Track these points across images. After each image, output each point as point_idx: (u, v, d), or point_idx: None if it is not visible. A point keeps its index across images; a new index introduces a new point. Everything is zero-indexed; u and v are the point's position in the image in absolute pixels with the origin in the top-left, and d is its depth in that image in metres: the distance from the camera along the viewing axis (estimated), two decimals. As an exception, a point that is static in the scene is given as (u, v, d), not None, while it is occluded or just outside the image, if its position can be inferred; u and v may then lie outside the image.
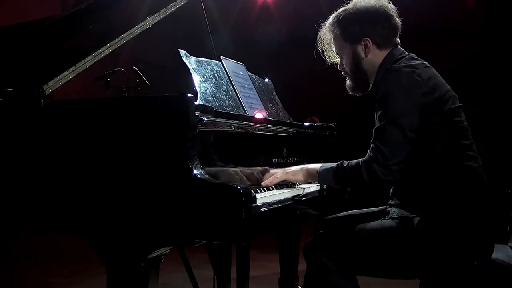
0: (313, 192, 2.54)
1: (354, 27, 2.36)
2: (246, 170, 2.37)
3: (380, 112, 2.18)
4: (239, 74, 2.85)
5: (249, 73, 3.00)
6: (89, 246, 2.09)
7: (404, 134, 2.11)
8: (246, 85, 2.85)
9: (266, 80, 3.29)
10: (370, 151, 2.17)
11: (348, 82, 2.48)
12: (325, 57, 2.58)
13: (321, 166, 2.33)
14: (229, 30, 6.30)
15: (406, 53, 2.36)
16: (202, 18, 2.92)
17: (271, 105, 3.07)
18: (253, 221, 1.90)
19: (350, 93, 2.50)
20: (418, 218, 2.16)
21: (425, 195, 2.20)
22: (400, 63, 2.27)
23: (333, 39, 2.46)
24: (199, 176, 1.92)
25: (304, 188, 2.48)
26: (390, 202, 2.37)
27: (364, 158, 2.17)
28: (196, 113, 2.00)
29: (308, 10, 5.82)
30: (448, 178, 2.17)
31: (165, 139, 1.98)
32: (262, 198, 2.09)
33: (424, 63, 2.28)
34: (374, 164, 2.12)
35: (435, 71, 2.28)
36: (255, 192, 2.06)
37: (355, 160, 2.21)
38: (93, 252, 2.08)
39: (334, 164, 2.29)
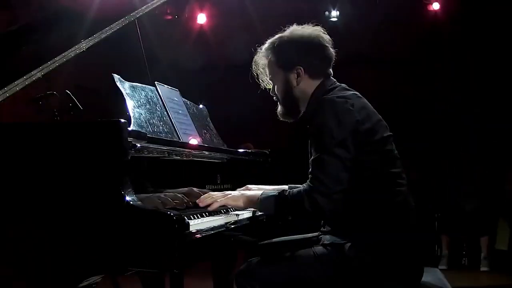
0: (247, 218, 2.56)
1: (288, 55, 2.41)
2: (170, 193, 2.34)
3: (316, 143, 2.22)
4: (174, 100, 2.86)
5: (183, 99, 3.01)
6: (13, 277, 2.01)
7: (342, 163, 2.14)
8: (180, 111, 2.85)
9: (201, 106, 3.30)
10: (310, 181, 2.18)
11: (279, 108, 2.52)
12: (260, 82, 2.62)
13: (262, 194, 2.32)
14: (166, 56, 6.28)
15: (338, 83, 2.42)
16: (137, 44, 2.92)
17: (205, 131, 3.08)
18: (187, 249, 1.90)
19: (281, 119, 2.53)
20: (349, 244, 2.21)
21: (355, 221, 2.25)
22: (333, 93, 2.32)
23: (267, 64, 2.50)
24: (131, 203, 1.90)
25: (238, 215, 2.50)
26: (322, 229, 2.41)
27: (304, 188, 2.19)
28: (129, 139, 2.00)
29: (244, 36, 5.89)
30: (378, 204, 2.24)
31: (97, 165, 1.96)
32: (196, 225, 2.09)
33: (356, 93, 2.34)
34: (316, 194, 2.13)
35: (366, 101, 2.35)
36: (188, 219, 2.06)
37: (296, 189, 2.22)
38: (18, 282, 2.01)
39: (275, 192, 2.29)
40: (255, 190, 2.42)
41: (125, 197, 1.90)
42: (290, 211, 2.26)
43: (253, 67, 2.60)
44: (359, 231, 2.24)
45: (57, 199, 1.97)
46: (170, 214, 1.87)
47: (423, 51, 6.86)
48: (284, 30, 2.48)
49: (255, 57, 2.57)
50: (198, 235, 2.04)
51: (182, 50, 6.75)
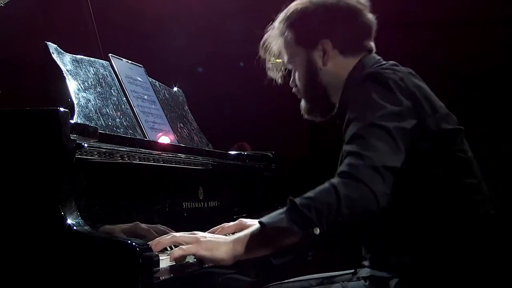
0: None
1: (309, 26, 2.40)
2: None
3: (351, 127, 2.14)
4: (136, 80, 2.85)
5: (150, 79, 3.00)
6: None
7: (393, 139, 2.07)
8: (146, 96, 2.84)
9: (175, 89, 3.29)
10: (340, 171, 2.07)
11: (302, 102, 2.51)
12: (267, 69, 2.61)
13: (260, 222, 2.09)
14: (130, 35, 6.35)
15: (384, 61, 2.39)
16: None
17: (181, 125, 3.07)
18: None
19: (306, 117, 2.52)
20: (396, 280, 2.18)
21: (409, 250, 2.20)
22: (376, 68, 2.30)
23: (283, 45, 2.49)
24: (75, 228, 1.89)
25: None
26: (363, 263, 2.38)
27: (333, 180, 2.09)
28: (73, 136, 1.98)
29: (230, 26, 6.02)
30: (447, 231, 2.17)
31: (26, 174, 1.95)
32: (169, 260, 2.06)
33: (410, 71, 2.30)
34: (355, 169, 2.02)
35: (423, 83, 2.29)
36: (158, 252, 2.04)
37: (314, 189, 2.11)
38: None
39: (279, 211, 2.09)
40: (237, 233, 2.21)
41: (65, 218, 1.89)
42: (322, 214, 2.02)
43: (261, 52, 2.59)
44: (414, 264, 2.18)
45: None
46: (131, 243, 1.85)
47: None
48: None
49: (265, 36, 2.56)
50: (171, 274, 2.03)
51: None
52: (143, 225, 2.39)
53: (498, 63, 6.19)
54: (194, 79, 5.93)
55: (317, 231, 2.01)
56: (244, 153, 3.29)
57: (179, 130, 2.99)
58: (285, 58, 2.51)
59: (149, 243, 2.08)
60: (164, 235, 2.16)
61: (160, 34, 6.49)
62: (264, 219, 2.08)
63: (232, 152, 3.21)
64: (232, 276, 2.62)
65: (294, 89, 2.52)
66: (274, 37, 2.52)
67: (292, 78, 2.52)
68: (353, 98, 2.23)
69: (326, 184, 2.05)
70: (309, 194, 2.06)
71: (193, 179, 2.81)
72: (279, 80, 2.60)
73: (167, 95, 3.13)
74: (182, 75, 3.59)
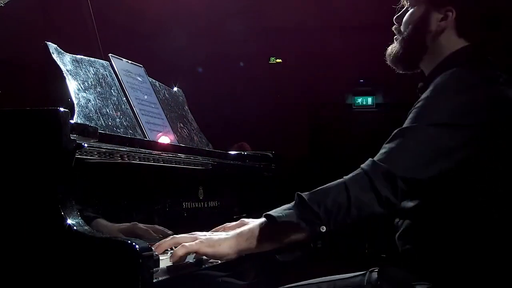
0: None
1: None
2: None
3: (410, 116, 2.14)
4: (136, 80, 2.84)
5: (150, 79, 2.99)
6: None
7: (445, 142, 2.05)
8: (146, 97, 2.84)
9: (175, 89, 3.28)
10: (363, 166, 2.09)
11: (393, 46, 2.45)
12: None
13: (265, 216, 2.11)
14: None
15: (490, 59, 2.30)
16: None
17: (181, 125, 3.07)
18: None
19: (389, 62, 2.46)
20: (425, 286, 2.13)
21: (447, 255, 2.14)
22: (472, 67, 2.22)
23: None
24: (75, 227, 1.88)
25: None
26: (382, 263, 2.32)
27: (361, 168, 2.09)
28: (73, 136, 1.97)
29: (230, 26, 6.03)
30: (487, 241, 2.12)
31: (26, 174, 1.94)
32: (169, 260, 2.07)
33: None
34: (373, 174, 2.02)
35: None
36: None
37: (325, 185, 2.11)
38: None
39: (287, 205, 2.10)
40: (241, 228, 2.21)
41: (65, 219, 1.88)
42: (326, 212, 2.03)
43: None
44: (450, 270, 2.13)
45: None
46: (131, 243, 1.84)
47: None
48: None
49: None
50: (172, 275, 2.02)
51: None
52: (141, 225, 2.39)
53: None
54: (194, 79, 5.94)
55: (324, 229, 2.02)
56: (244, 153, 3.28)
57: (179, 130, 2.99)
58: None
59: (158, 247, 2.10)
60: (165, 239, 2.16)
61: (160, 34, 6.50)
62: (271, 212, 2.09)
63: (232, 152, 3.20)
64: (231, 278, 2.61)
65: (394, 27, 2.45)
66: None
67: (399, 14, 2.44)
68: (436, 89, 2.17)
69: (339, 181, 2.06)
70: (319, 189, 2.07)
71: (193, 179, 2.80)
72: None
73: (167, 95, 3.12)
74: (182, 75, 3.59)
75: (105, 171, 2.25)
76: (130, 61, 2.88)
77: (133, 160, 2.39)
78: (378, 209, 2.01)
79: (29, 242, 1.91)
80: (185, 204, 2.70)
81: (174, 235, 2.17)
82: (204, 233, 2.20)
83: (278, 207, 2.77)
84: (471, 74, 2.18)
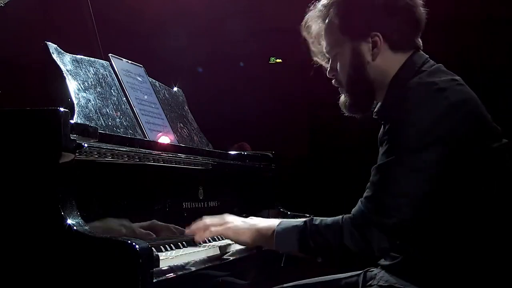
0: (242, 250, 2.54)
1: (360, 15, 2.26)
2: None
3: (387, 145, 2.12)
4: (136, 80, 2.84)
5: (151, 79, 2.99)
6: None
7: (421, 178, 2.03)
8: (146, 96, 2.84)
9: (175, 89, 3.28)
10: (362, 201, 2.12)
11: (343, 97, 2.39)
12: (311, 52, 2.50)
13: (279, 224, 2.27)
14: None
15: (432, 61, 2.28)
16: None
17: (181, 125, 3.07)
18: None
19: (346, 113, 2.40)
20: None
21: (441, 259, 2.11)
22: (421, 77, 2.19)
23: (325, 30, 2.35)
24: (75, 227, 1.88)
25: (230, 244, 2.48)
26: (379, 262, 2.31)
27: (351, 215, 2.15)
28: (73, 136, 1.98)
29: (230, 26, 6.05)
30: (492, 250, 2.09)
31: (26, 174, 1.94)
32: (169, 259, 2.07)
33: (456, 79, 2.20)
34: (366, 224, 2.07)
35: (471, 91, 2.19)
36: (157, 251, 2.03)
37: (333, 218, 2.18)
38: None
39: (299, 221, 2.22)
40: (267, 220, 2.42)
41: (65, 219, 1.88)
42: (322, 249, 2.20)
43: (302, 30, 2.47)
44: (446, 277, 2.10)
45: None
46: (131, 243, 1.85)
47: None
48: None
49: (306, 17, 2.44)
50: (172, 274, 2.02)
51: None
52: (160, 223, 2.47)
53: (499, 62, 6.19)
54: (194, 79, 5.94)
55: (319, 259, 2.28)
56: (244, 153, 3.28)
57: (179, 130, 2.99)
58: (325, 44, 2.38)
59: (192, 230, 2.42)
60: (197, 223, 2.45)
61: (160, 34, 6.49)
62: (279, 226, 2.31)
63: (232, 152, 3.20)
64: (231, 278, 2.61)
65: (333, 81, 2.39)
66: (315, 19, 2.40)
67: (330, 67, 2.38)
68: (394, 114, 2.17)
69: (338, 221, 2.18)
70: (323, 223, 2.21)
71: (193, 179, 2.80)
72: (325, 65, 2.44)
73: (167, 95, 3.12)
74: (182, 75, 3.59)
75: (105, 171, 2.25)
76: (130, 61, 2.88)
77: (133, 160, 2.39)
78: (368, 254, 2.17)
79: (29, 242, 1.91)
80: (185, 204, 2.70)
81: (205, 221, 2.46)
82: (231, 219, 2.46)
83: (278, 207, 2.80)
84: (424, 86, 2.15)
